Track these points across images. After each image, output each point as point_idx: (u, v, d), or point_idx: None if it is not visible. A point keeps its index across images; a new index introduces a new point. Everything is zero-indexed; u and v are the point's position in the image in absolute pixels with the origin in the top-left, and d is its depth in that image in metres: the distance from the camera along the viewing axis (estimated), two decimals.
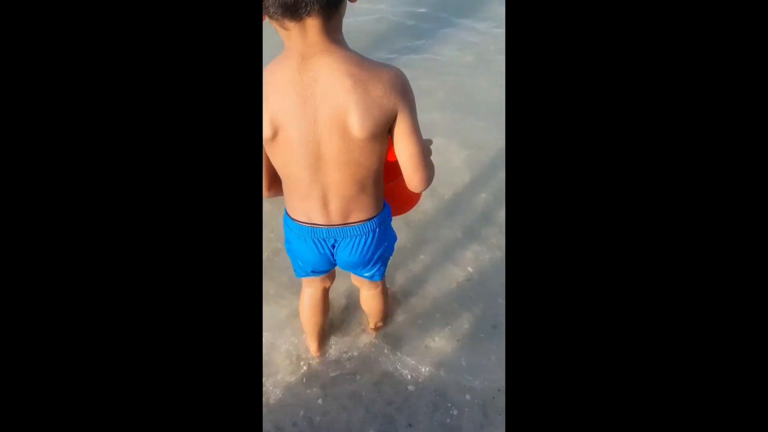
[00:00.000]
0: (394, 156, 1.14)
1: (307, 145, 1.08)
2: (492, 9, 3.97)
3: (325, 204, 1.20)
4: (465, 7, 4.03)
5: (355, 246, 1.29)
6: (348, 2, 1.03)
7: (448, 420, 1.66)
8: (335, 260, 1.36)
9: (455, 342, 1.86)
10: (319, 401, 1.70)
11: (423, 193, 1.59)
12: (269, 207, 2.20)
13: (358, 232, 1.26)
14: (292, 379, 1.75)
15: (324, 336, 1.81)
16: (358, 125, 1.04)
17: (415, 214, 2.24)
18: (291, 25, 0.97)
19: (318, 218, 1.23)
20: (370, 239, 1.28)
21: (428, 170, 1.15)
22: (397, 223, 1.76)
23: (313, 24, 0.98)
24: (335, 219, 1.23)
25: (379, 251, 1.35)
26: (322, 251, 1.31)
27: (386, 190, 1.36)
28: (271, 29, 1.03)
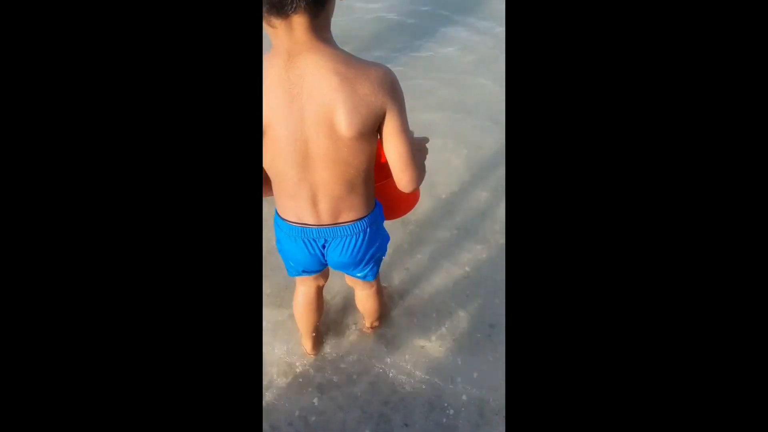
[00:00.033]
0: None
1: (295, 144, 1.08)
2: (493, 7, 3.95)
3: (314, 203, 1.19)
4: (465, 6, 4.01)
5: (346, 246, 1.28)
6: (337, 0, 1.03)
7: (444, 420, 1.65)
8: (326, 260, 1.35)
9: (452, 342, 1.85)
10: (315, 401, 1.70)
11: (421, 194, 1.60)
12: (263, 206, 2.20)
13: (349, 232, 1.25)
14: (287, 378, 1.75)
15: (319, 335, 1.81)
16: (345, 124, 1.03)
17: (412, 213, 2.23)
18: (277, 22, 0.97)
19: (308, 218, 1.22)
20: (360, 239, 1.28)
21: (417, 170, 1.14)
22: (393, 222, 1.76)
23: (299, 21, 0.97)
24: (325, 219, 1.22)
25: (371, 251, 1.34)
26: (312, 251, 1.30)
27: (382, 192, 1.36)
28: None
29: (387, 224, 1.46)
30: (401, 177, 1.13)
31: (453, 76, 3.26)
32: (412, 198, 1.54)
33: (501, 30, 3.66)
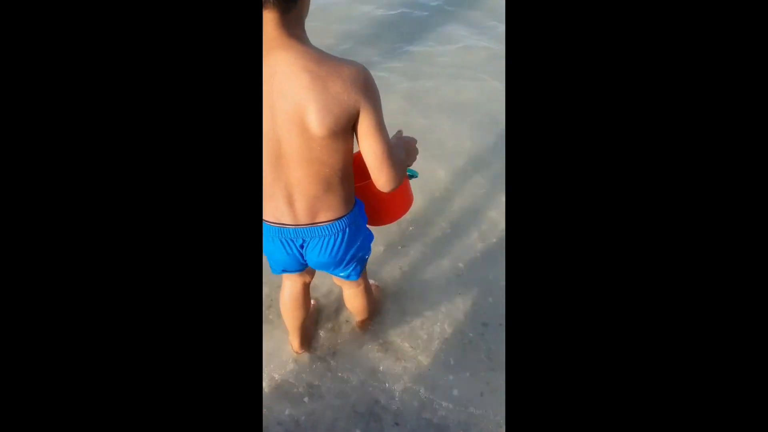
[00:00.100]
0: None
1: (268, 143, 1.07)
2: (494, 5, 3.92)
3: (290, 203, 1.18)
4: (466, 5, 3.98)
5: (324, 246, 1.27)
6: None
7: (435, 419, 1.64)
8: (305, 260, 1.34)
9: (444, 341, 1.83)
10: (305, 400, 1.69)
11: (415, 192, 1.58)
12: None
13: (327, 232, 1.24)
14: (277, 377, 1.75)
15: (306, 332, 1.80)
16: (316, 123, 1.02)
17: None
18: None
19: (285, 218, 1.21)
20: (339, 239, 1.26)
21: (395, 169, 1.11)
22: None
23: (269, 17, 0.96)
24: (302, 218, 1.21)
25: (351, 251, 1.33)
26: (290, 251, 1.29)
27: (367, 193, 1.34)
28: None
29: None
30: (378, 176, 1.11)
31: (453, 73, 3.23)
32: (402, 201, 1.52)
33: (501, 29, 3.63)
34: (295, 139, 1.06)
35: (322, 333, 1.87)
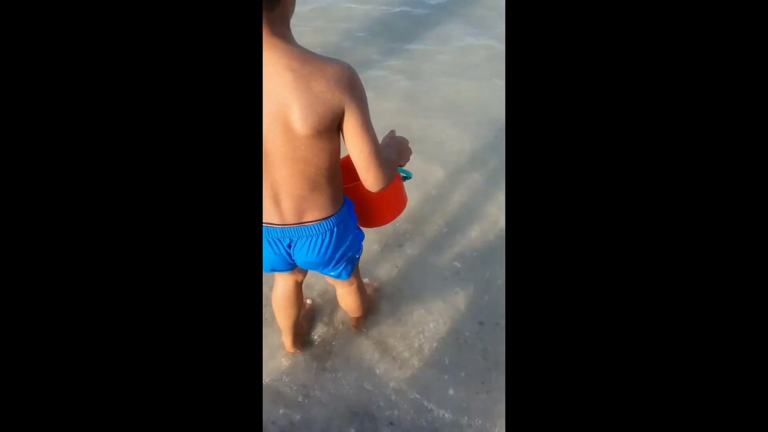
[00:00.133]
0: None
1: None
2: (493, 4, 3.90)
3: (276, 202, 1.18)
4: (466, 4, 3.97)
5: (312, 246, 1.27)
6: None
7: (430, 419, 1.63)
8: (293, 260, 1.34)
9: (440, 340, 1.83)
10: (300, 399, 1.69)
11: (408, 197, 1.57)
12: None
13: (314, 232, 1.24)
14: (272, 376, 1.75)
15: (299, 331, 1.79)
16: (300, 122, 1.02)
17: None
18: None
19: (272, 217, 1.21)
20: (327, 239, 1.26)
21: (383, 169, 1.11)
22: None
23: None
24: (289, 218, 1.21)
25: (340, 251, 1.32)
26: (277, 251, 1.29)
27: (363, 200, 1.34)
28: None
29: None
30: (366, 176, 1.11)
31: (452, 72, 3.22)
32: (395, 203, 1.51)
33: (502, 28, 3.61)
34: (279, 139, 1.06)
35: (317, 333, 1.87)
